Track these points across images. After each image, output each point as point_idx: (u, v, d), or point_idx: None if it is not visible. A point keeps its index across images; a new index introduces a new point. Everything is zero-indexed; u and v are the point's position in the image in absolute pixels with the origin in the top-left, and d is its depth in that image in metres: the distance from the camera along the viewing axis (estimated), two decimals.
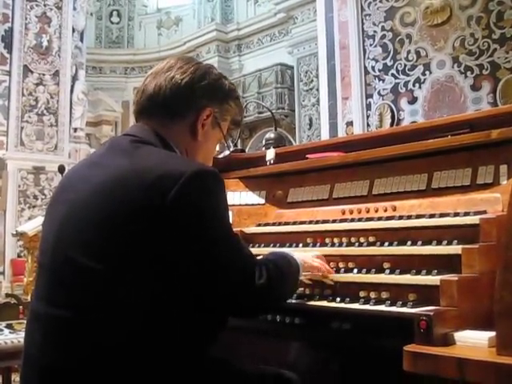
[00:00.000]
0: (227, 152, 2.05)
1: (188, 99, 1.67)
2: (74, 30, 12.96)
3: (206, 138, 1.73)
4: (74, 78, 13.07)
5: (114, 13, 18.96)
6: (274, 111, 14.16)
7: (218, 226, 1.50)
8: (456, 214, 1.84)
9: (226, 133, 1.81)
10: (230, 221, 2.39)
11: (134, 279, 1.40)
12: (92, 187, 1.50)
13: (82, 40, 13.71)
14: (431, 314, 1.39)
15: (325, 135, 9.60)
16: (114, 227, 1.42)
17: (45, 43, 12.18)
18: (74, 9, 13.00)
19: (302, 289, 1.90)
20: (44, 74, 12.16)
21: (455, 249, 1.66)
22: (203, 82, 1.69)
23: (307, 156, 2.44)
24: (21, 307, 4.55)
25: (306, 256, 1.85)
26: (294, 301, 1.83)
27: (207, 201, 1.46)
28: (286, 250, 2.02)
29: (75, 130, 13.07)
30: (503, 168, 1.88)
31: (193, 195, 1.43)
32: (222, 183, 1.53)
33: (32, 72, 12.01)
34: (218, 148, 1.85)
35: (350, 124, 9.21)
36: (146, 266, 1.41)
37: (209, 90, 1.70)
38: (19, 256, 10.85)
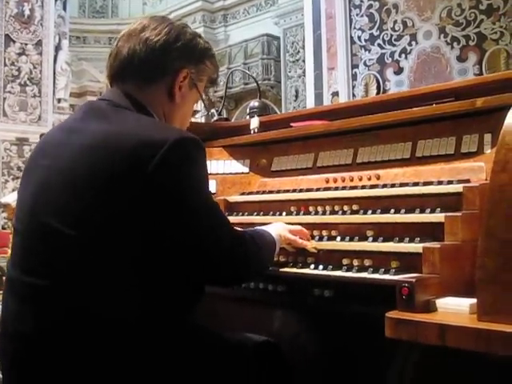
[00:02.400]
0: (205, 112, 2.04)
1: (163, 62, 1.64)
2: None
3: (184, 99, 1.70)
4: (58, 48, 12.91)
5: None
6: (260, 82, 14.15)
7: (198, 194, 1.49)
8: (440, 183, 1.84)
9: (202, 92, 1.79)
10: (214, 190, 2.42)
11: (111, 246, 1.39)
12: (69, 152, 1.47)
13: (64, 9, 13.51)
14: (413, 280, 1.39)
15: (310, 106, 9.57)
16: (91, 193, 1.40)
17: (27, 12, 11.98)
18: None
19: (285, 257, 1.90)
20: (26, 44, 11.97)
21: (438, 217, 1.66)
22: (178, 43, 1.66)
23: (291, 124, 2.42)
24: (4, 278, 4.54)
25: (282, 229, 1.84)
26: (276, 268, 1.83)
27: (189, 168, 1.45)
28: (265, 219, 2.00)
29: (59, 100, 12.95)
30: (487, 137, 1.87)
31: (175, 163, 1.41)
32: (203, 151, 1.51)
33: (14, 41, 11.83)
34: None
35: (335, 94, 9.19)
36: (124, 232, 1.39)
37: (184, 50, 1.67)
38: (3, 228, 10.79)
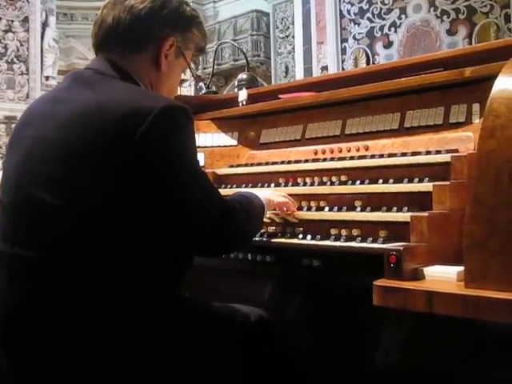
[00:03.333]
0: (193, 81, 2.02)
1: (149, 30, 1.62)
2: None
3: (170, 68, 1.68)
4: (45, 25, 12.78)
5: None
6: (249, 59, 14.06)
7: (186, 162, 1.47)
8: (428, 153, 1.84)
9: (190, 61, 1.76)
10: (202, 163, 2.41)
11: (97, 216, 1.38)
12: (56, 122, 1.45)
13: None
14: (401, 248, 1.40)
15: None
16: (78, 163, 1.39)
17: None
18: None
19: (274, 227, 1.91)
20: (13, 21, 11.87)
21: (426, 186, 1.67)
22: (164, 11, 1.63)
23: (280, 96, 2.41)
24: None
25: (270, 194, 1.85)
26: (264, 239, 1.84)
27: (176, 137, 1.43)
28: (252, 189, 2.00)
29: (47, 78, 12.84)
30: (476, 107, 1.87)
31: (162, 131, 1.40)
32: (191, 119, 1.50)
33: (0, 18, 11.69)
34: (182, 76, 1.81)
35: (324, 69, 9.19)
36: (111, 202, 1.38)
37: (170, 18, 1.65)
38: None
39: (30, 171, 1.45)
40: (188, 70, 1.82)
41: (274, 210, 1.86)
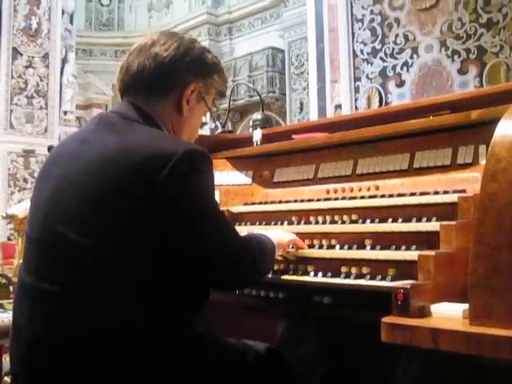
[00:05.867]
0: (213, 125, 2.08)
1: (172, 76, 1.69)
2: (63, 12, 12.90)
3: (192, 113, 1.75)
4: (64, 61, 13.03)
5: None
6: (264, 95, 14.20)
7: (206, 203, 1.54)
8: (436, 193, 1.88)
9: (210, 106, 1.82)
10: (218, 200, 2.45)
11: (121, 255, 1.43)
12: (82, 163, 1.52)
13: (71, 22, 13.65)
14: (408, 286, 1.44)
15: (314, 118, 9.64)
16: (103, 203, 1.45)
17: (34, 25, 12.11)
18: None
19: (286, 264, 1.95)
20: (33, 57, 12.09)
21: (434, 225, 1.71)
22: (187, 58, 1.70)
23: (293, 137, 2.47)
24: (11, 287, 4.55)
25: (279, 233, 1.91)
26: (277, 276, 1.88)
27: (197, 180, 1.50)
28: (262, 228, 2.05)
29: (65, 112, 13.05)
30: (482, 148, 1.91)
31: (183, 174, 1.46)
32: (210, 162, 1.56)
33: (21, 54, 11.94)
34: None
35: (338, 107, 9.26)
36: (135, 241, 1.44)
37: (192, 65, 1.71)
38: (9, 239, 10.84)
39: (57, 209, 1.51)
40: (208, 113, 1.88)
41: (285, 248, 1.91)
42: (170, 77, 1.69)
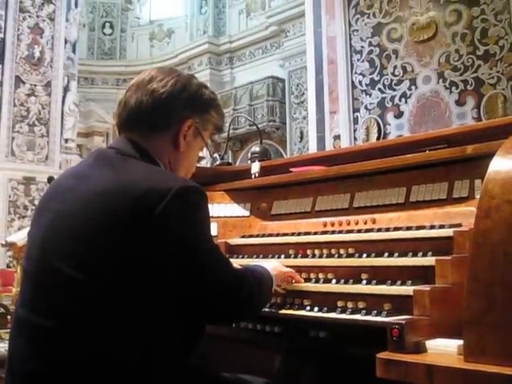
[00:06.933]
0: (212, 160, 2.09)
1: (169, 113, 1.70)
2: (66, 41, 13.00)
3: (188, 148, 1.76)
4: (66, 89, 13.11)
5: (107, 24, 19.03)
6: (265, 124, 14.30)
7: (201, 238, 1.55)
8: (432, 227, 1.90)
9: (207, 141, 1.84)
10: (216, 232, 2.47)
11: (116, 290, 1.44)
12: (78, 198, 1.53)
13: (74, 51, 13.76)
14: (403, 322, 1.44)
15: (313, 148, 9.71)
16: (98, 238, 1.46)
17: (37, 54, 12.20)
18: (67, 20, 13.05)
19: (282, 298, 1.96)
20: (36, 85, 12.16)
21: (429, 260, 1.72)
22: (184, 95, 1.72)
23: (291, 170, 2.50)
24: (9, 317, 4.54)
25: (277, 266, 1.92)
26: (273, 310, 1.89)
27: (192, 215, 1.51)
28: (259, 261, 2.06)
29: (66, 140, 13.10)
30: (478, 182, 1.93)
31: (179, 210, 1.47)
32: (205, 198, 1.58)
33: (24, 82, 12.01)
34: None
35: (337, 138, 9.32)
36: (130, 277, 1.44)
37: (189, 102, 1.73)
38: (8, 266, 10.81)
39: (53, 244, 1.52)
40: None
41: (283, 280, 1.92)
42: (167, 113, 1.70)
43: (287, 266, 2.00)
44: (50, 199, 1.66)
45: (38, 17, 12.31)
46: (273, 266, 1.88)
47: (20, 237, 7.17)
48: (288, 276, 1.93)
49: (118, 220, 1.45)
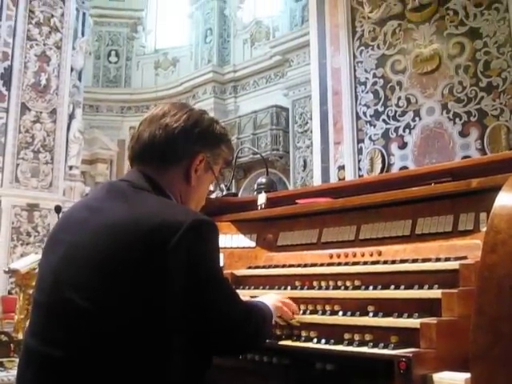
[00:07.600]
0: (219, 192, 2.11)
1: (181, 147, 1.73)
2: (72, 69, 13.13)
3: (199, 182, 1.79)
4: (71, 117, 13.20)
5: (113, 52, 19.27)
6: (268, 152, 14.36)
7: (211, 271, 1.57)
8: (438, 260, 1.90)
9: (218, 175, 1.87)
10: (222, 263, 2.48)
11: (126, 322, 1.45)
12: (92, 231, 1.55)
13: (80, 79, 13.90)
14: (410, 355, 1.46)
15: (317, 179, 9.73)
16: (111, 271, 1.47)
17: (43, 82, 12.31)
18: (73, 48, 13.21)
19: (289, 330, 1.97)
20: (41, 112, 12.24)
21: (435, 293, 1.73)
22: (196, 130, 1.75)
23: (297, 201, 2.51)
24: (12, 345, 4.52)
25: (274, 299, 1.93)
26: (280, 342, 1.90)
27: (203, 249, 1.53)
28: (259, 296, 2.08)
29: (70, 167, 13.15)
30: (483, 215, 1.94)
31: (191, 244, 1.49)
32: (217, 231, 1.60)
33: (29, 110, 12.10)
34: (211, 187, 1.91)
35: (341, 168, 9.35)
36: (142, 309, 1.45)
37: (201, 136, 1.76)
38: (10, 293, 10.80)
39: (65, 275, 1.53)
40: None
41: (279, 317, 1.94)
42: (179, 147, 1.73)
43: (293, 298, 2.02)
44: (62, 232, 1.67)
45: (44, 45, 12.45)
46: (270, 299, 1.91)
47: (23, 264, 7.18)
48: (285, 312, 1.94)
49: (130, 254, 1.47)
